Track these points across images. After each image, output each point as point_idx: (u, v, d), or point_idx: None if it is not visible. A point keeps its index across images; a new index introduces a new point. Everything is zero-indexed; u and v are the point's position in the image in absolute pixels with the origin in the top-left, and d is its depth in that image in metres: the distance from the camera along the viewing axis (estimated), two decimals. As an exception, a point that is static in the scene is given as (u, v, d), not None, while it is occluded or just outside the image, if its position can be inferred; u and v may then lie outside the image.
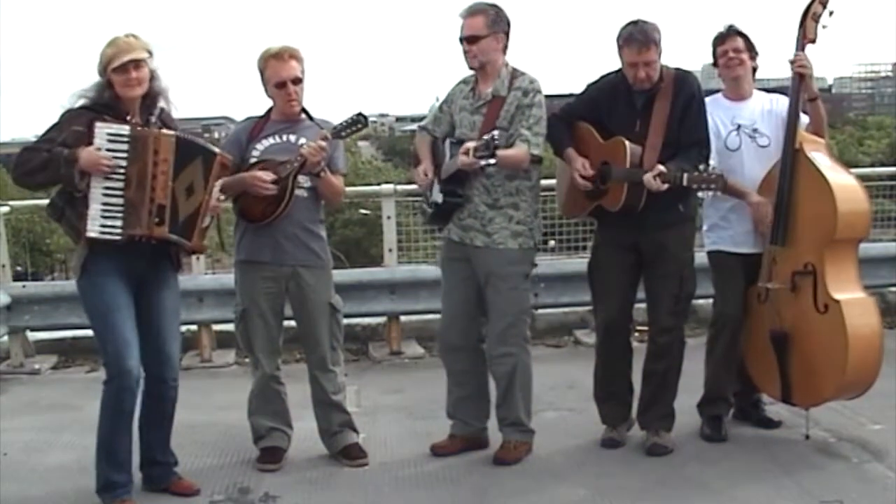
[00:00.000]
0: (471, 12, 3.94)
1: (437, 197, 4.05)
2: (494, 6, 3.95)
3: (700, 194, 3.97)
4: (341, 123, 3.92)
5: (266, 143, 3.98)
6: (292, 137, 3.96)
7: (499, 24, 3.94)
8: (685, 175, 3.80)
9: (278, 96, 3.96)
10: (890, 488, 3.70)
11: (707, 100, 4.32)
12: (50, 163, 3.39)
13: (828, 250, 3.95)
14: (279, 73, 3.91)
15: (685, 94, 3.97)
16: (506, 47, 4.00)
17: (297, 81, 3.94)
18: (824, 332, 3.94)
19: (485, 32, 3.91)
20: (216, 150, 3.61)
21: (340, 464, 4.12)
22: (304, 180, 3.93)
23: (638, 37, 3.89)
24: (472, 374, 4.20)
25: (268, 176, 3.84)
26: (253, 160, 3.94)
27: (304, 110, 4.03)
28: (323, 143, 3.82)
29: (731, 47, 4.16)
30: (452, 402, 4.27)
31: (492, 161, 3.74)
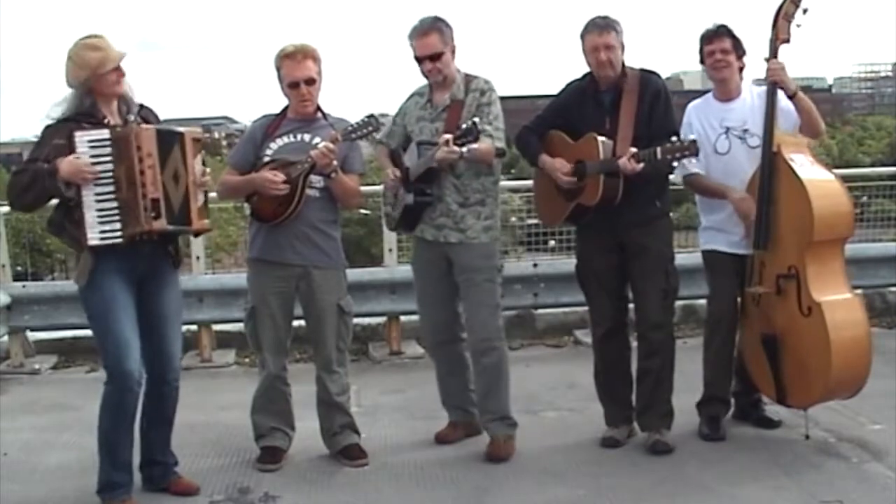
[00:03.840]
0: (424, 32, 4.02)
1: (408, 198, 4.12)
2: (439, 19, 4.05)
3: (675, 164, 3.96)
4: (352, 125, 3.91)
5: (280, 141, 3.98)
6: (307, 137, 3.96)
7: (449, 35, 4.05)
8: (658, 149, 3.82)
9: (292, 96, 3.97)
10: (890, 488, 3.70)
11: (697, 102, 4.37)
12: (34, 181, 3.42)
13: (809, 252, 3.95)
14: (292, 73, 3.91)
15: (651, 90, 4.02)
16: (455, 53, 4.11)
17: (311, 82, 3.94)
18: (809, 335, 3.95)
19: (442, 48, 4.01)
20: (182, 130, 3.58)
21: (340, 464, 4.12)
22: (316, 180, 3.93)
23: (599, 22, 4.00)
24: (460, 365, 4.32)
25: (278, 177, 3.85)
26: (266, 159, 3.95)
27: (319, 109, 4.03)
28: (331, 146, 3.82)
29: (719, 48, 4.12)
30: (445, 392, 4.40)
31: (474, 146, 3.81)
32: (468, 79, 4.09)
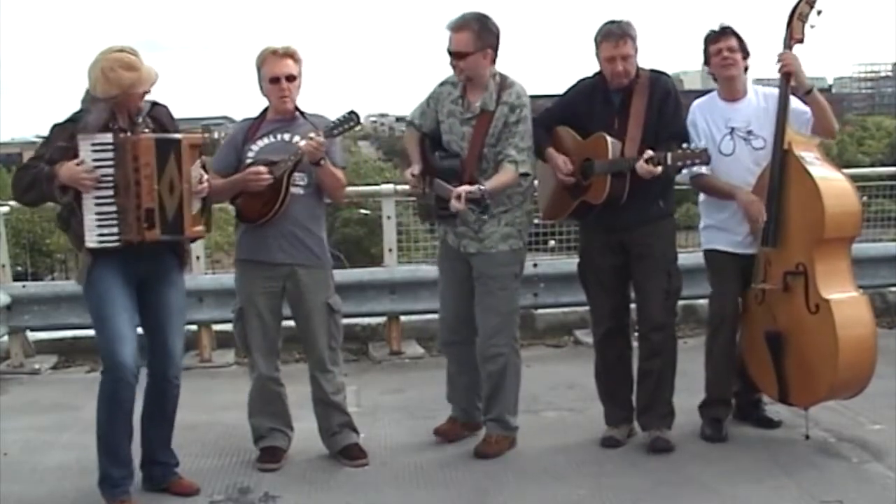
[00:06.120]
0: (457, 27, 3.95)
1: (430, 200, 4.07)
2: (481, 18, 3.95)
3: (684, 171, 3.95)
4: (334, 122, 3.92)
5: (261, 143, 3.99)
6: (287, 136, 3.97)
7: (486, 38, 3.95)
8: (668, 154, 3.81)
9: (272, 92, 3.97)
10: (890, 488, 3.70)
11: (702, 100, 4.35)
12: (34, 182, 3.47)
13: (818, 250, 3.95)
14: (274, 69, 3.93)
15: (660, 91, 4.02)
16: (494, 59, 4.01)
17: (292, 79, 3.96)
18: (816, 332, 3.95)
19: (471, 49, 3.93)
20: (179, 136, 3.58)
21: (340, 464, 4.12)
22: (299, 178, 3.94)
23: (615, 31, 3.97)
24: (469, 366, 4.29)
25: (262, 170, 3.85)
26: (249, 160, 3.95)
27: (298, 109, 4.04)
28: (321, 139, 3.82)
29: (726, 46, 4.11)
30: (452, 390, 4.41)
31: (484, 217, 3.83)
32: (502, 86, 4.01)
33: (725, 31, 4.13)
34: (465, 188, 3.81)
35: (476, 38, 3.93)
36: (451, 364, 4.39)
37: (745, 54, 4.16)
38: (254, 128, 4.04)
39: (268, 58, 3.94)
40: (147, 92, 3.56)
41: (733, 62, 4.13)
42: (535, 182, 4.45)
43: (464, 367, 4.32)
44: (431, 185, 4.03)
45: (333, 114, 4.08)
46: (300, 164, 3.87)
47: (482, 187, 3.81)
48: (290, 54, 3.95)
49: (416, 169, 4.10)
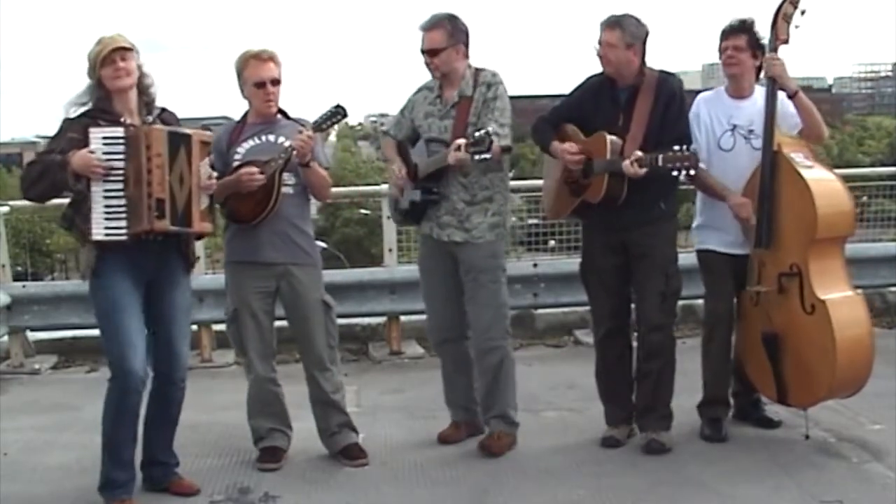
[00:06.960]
0: (429, 26, 4.06)
1: (414, 195, 4.15)
2: (451, 18, 4.07)
3: (676, 173, 3.95)
4: (321, 116, 3.94)
5: (247, 145, 4.01)
6: (271, 137, 3.99)
7: (457, 35, 4.07)
8: (660, 156, 3.82)
9: (256, 96, 3.99)
10: (890, 488, 3.70)
11: (708, 94, 4.37)
12: (45, 172, 3.47)
13: (812, 250, 3.96)
14: (259, 73, 3.95)
15: (667, 92, 4.03)
16: (466, 54, 4.11)
17: (276, 82, 3.99)
18: (813, 333, 3.95)
19: (444, 45, 4.03)
20: (190, 132, 3.59)
21: (340, 463, 4.12)
22: (288, 177, 3.96)
23: (609, 18, 4.01)
24: (465, 363, 4.31)
25: (254, 170, 3.86)
26: (236, 163, 3.96)
27: (280, 110, 4.06)
28: (311, 133, 3.85)
29: (732, 45, 4.12)
30: (451, 390, 4.41)
31: (487, 156, 3.81)
32: (477, 73, 4.10)
33: (735, 29, 4.13)
34: (462, 140, 3.85)
35: (448, 35, 4.03)
36: (446, 364, 4.39)
37: (759, 52, 4.12)
38: (237, 131, 4.06)
39: (250, 62, 3.96)
40: (119, 70, 3.49)
41: (736, 62, 4.13)
42: (541, 182, 4.46)
43: (460, 366, 4.33)
44: (415, 179, 4.10)
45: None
46: (289, 164, 3.89)
47: (486, 129, 3.81)
48: (271, 57, 3.98)
49: (403, 169, 4.16)
